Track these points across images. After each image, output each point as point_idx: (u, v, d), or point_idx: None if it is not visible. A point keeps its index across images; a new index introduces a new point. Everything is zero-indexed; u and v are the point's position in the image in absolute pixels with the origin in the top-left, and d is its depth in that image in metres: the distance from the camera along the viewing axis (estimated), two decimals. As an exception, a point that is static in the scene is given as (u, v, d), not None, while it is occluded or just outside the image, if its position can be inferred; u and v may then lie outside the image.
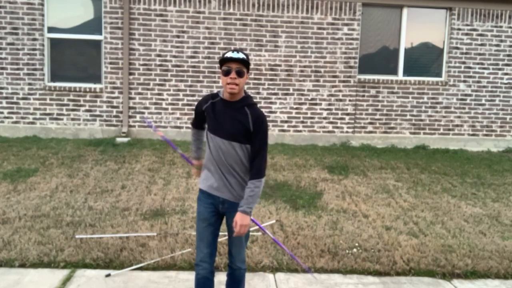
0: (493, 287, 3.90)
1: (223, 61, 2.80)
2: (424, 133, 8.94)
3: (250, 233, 4.55)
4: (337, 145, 8.62)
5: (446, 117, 8.96)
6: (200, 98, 3.13)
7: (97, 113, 8.37)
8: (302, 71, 8.58)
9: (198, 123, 3.15)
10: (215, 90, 8.36)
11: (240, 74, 2.78)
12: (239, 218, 2.75)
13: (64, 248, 4.11)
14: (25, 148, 7.35)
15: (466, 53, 8.83)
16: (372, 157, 7.77)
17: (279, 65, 8.53)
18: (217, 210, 2.93)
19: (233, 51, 2.84)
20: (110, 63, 8.27)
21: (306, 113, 8.68)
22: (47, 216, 4.79)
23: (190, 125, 3.17)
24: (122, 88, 8.31)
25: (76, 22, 8.34)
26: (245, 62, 2.80)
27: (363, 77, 8.72)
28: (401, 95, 8.80)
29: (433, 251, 4.36)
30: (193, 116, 3.22)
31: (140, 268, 3.88)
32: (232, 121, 2.83)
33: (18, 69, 8.18)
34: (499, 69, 8.94)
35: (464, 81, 8.91)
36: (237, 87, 2.79)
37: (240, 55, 2.80)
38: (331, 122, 8.75)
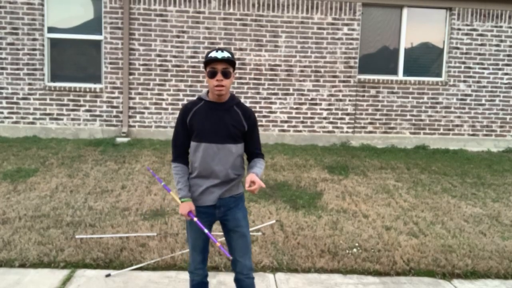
0: (493, 287, 3.90)
1: (208, 62, 2.65)
2: (424, 133, 8.94)
3: (250, 233, 4.55)
4: (337, 145, 8.62)
5: (446, 117, 8.96)
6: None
7: (97, 113, 8.37)
8: (302, 71, 8.58)
9: (183, 154, 2.80)
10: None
11: (226, 75, 2.65)
12: (254, 177, 2.64)
13: (64, 248, 4.11)
14: (25, 148, 7.35)
15: (466, 53, 8.84)
16: (372, 157, 7.77)
17: (279, 65, 8.53)
18: (211, 218, 2.83)
19: (217, 50, 2.67)
20: (110, 63, 8.27)
21: (306, 113, 8.68)
22: (47, 216, 4.79)
23: (172, 162, 2.84)
24: (122, 88, 8.31)
25: (76, 22, 8.34)
26: (230, 62, 2.66)
27: (363, 77, 8.72)
28: (401, 95, 8.80)
29: (433, 251, 4.35)
30: (174, 150, 2.83)
31: (140, 268, 3.88)
32: (225, 122, 2.72)
33: (18, 69, 8.18)
34: (499, 69, 8.94)
35: (464, 81, 8.91)
36: (225, 88, 2.67)
37: (225, 54, 2.64)
38: (331, 122, 8.75)
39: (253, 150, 2.88)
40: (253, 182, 2.62)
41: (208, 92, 2.80)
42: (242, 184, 2.89)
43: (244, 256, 2.81)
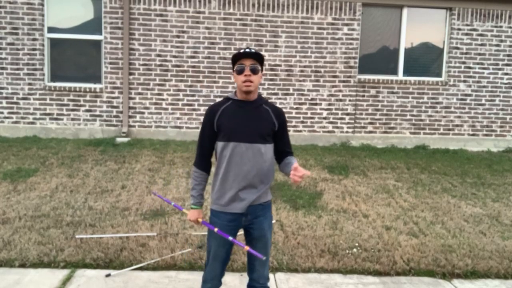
0: (493, 287, 3.90)
1: (236, 59, 2.63)
2: (424, 133, 8.94)
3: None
4: (337, 145, 8.62)
5: (446, 117, 8.96)
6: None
7: (97, 113, 8.37)
8: (302, 71, 8.58)
9: (207, 160, 2.77)
10: (215, 90, 8.39)
11: (254, 71, 2.59)
12: (298, 166, 2.48)
13: (64, 248, 4.11)
14: (25, 148, 7.34)
15: (466, 53, 8.84)
16: (372, 157, 7.77)
17: (279, 65, 8.53)
18: (237, 227, 2.73)
19: (245, 49, 2.67)
20: (110, 63, 8.27)
21: (306, 113, 8.68)
22: (47, 216, 4.79)
23: (194, 166, 2.81)
24: (122, 88, 8.31)
25: (76, 22, 8.34)
26: (258, 57, 2.62)
27: (363, 77, 8.72)
28: (401, 95, 8.80)
29: (433, 251, 4.35)
30: (199, 152, 2.77)
31: (140, 268, 3.88)
32: (255, 121, 2.65)
33: (18, 69, 8.18)
34: (499, 69, 8.94)
35: (464, 81, 8.91)
36: (253, 84, 2.60)
37: (252, 50, 2.64)
38: (331, 122, 8.75)
39: (284, 149, 2.80)
40: (296, 169, 2.46)
41: (235, 92, 2.74)
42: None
43: (264, 266, 2.78)
